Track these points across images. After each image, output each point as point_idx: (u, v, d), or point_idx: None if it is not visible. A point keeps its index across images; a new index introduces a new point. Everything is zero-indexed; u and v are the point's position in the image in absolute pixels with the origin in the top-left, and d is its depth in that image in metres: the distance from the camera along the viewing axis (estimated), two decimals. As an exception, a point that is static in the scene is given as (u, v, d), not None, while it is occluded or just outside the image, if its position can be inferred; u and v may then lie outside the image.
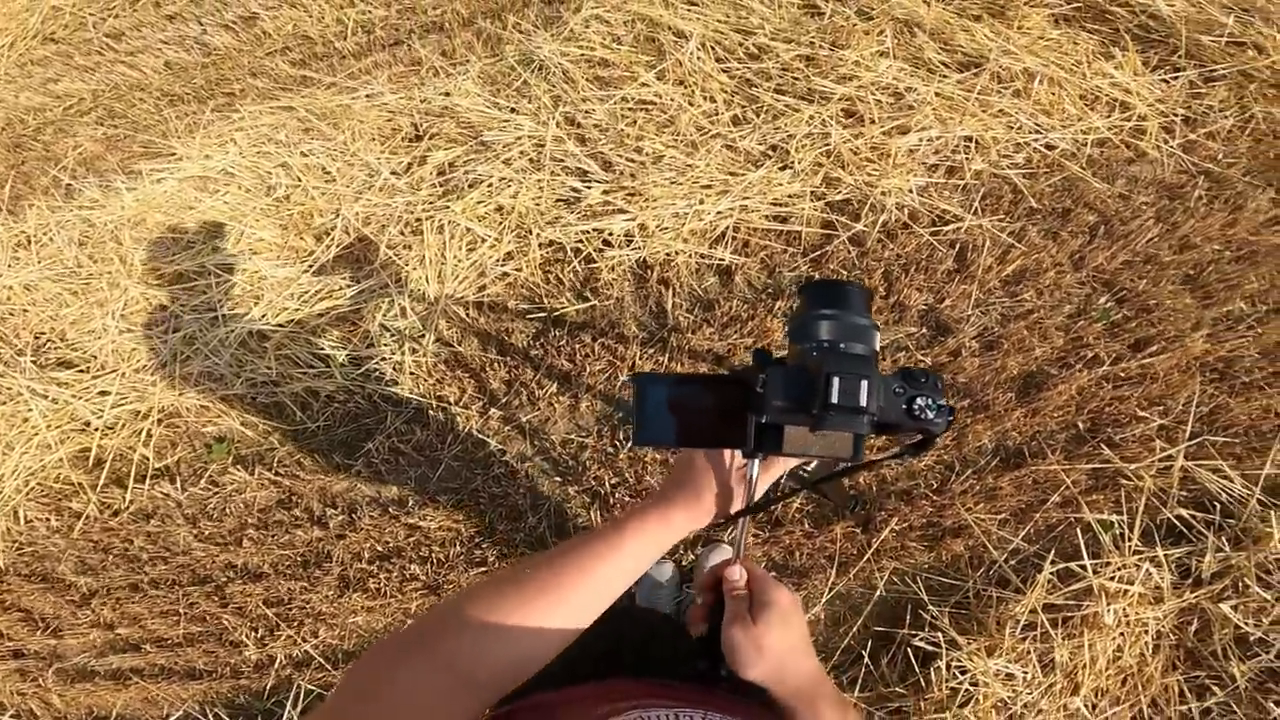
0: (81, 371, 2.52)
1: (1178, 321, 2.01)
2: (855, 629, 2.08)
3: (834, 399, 0.59)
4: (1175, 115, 2.36)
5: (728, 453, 0.76)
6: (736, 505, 0.74)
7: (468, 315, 2.26)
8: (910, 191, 2.21)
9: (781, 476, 0.80)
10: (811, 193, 2.22)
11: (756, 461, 0.71)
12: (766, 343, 2.17)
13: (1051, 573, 1.80)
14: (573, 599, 0.60)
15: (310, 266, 2.27)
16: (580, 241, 2.22)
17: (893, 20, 2.42)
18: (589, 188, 2.20)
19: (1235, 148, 2.34)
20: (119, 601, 2.58)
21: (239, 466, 2.41)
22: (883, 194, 2.21)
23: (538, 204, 2.23)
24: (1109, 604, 1.73)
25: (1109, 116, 2.29)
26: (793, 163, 2.22)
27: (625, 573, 0.63)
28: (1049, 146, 2.27)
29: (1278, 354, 1.95)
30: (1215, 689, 1.73)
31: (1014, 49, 2.30)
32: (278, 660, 2.45)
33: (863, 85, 2.24)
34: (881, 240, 2.19)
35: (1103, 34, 2.50)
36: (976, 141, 2.24)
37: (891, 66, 2.27)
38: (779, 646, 0.66)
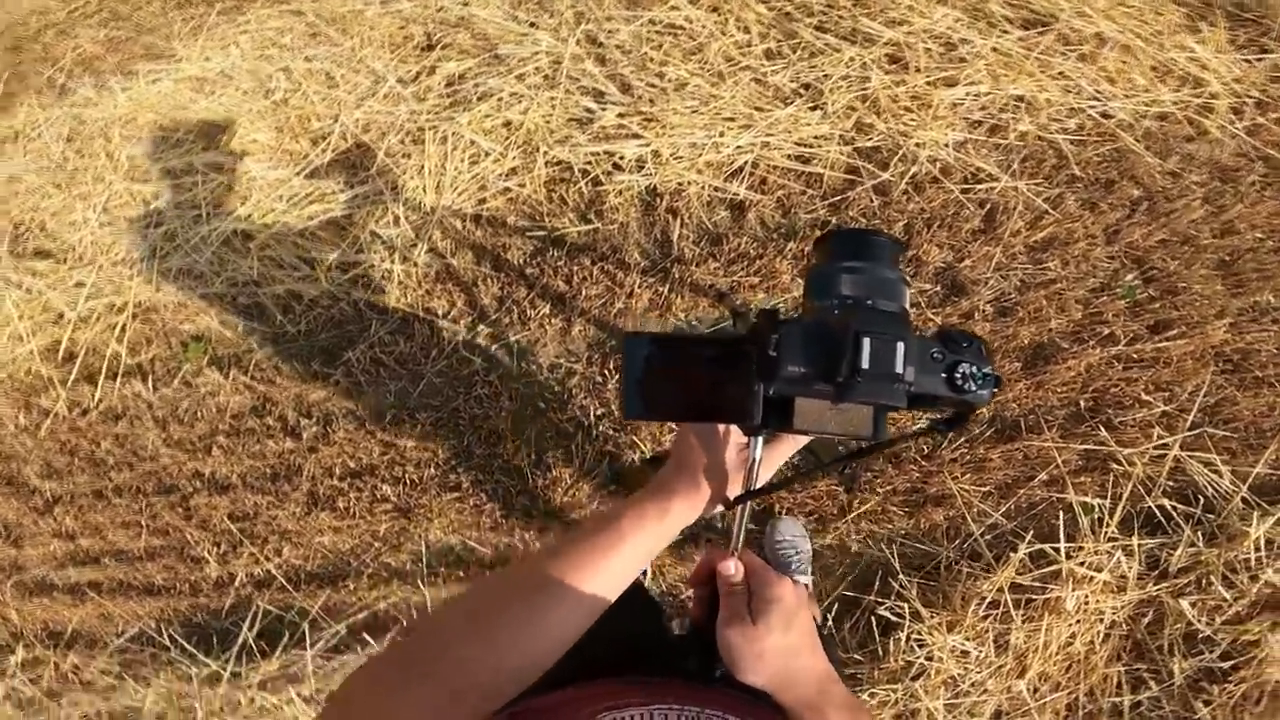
0: (58, 262, 2.43)
1: (1202, 307, 1.94)
2: (823, 591, 2.05)
3: (864, 363, 0.51)
4: (1249, 97, 2.26)
5: (725, 428, 0.68)
6: (736, 489, 0.66)
7: (464, 228, 2.17)
8: (946, 145, 2.10)
9: (792, 458, 0.72)
10: (840, 136, 2.12)
11: (760, 440, 0.63)
12: (773, 285, 2.10)
13: (1025, 553, 1.77)
14: (570, 603, 0.56)
15: (303, 170, 2.18)
16: (589, 163, 2.13)
17: None
18: (604, 109, 2.11)
19: (1304, 136, 2.25)
20: (82, 510, 2.50)
21: (214, 368, 2.32)
22: (917, 145, 2.10)
23: (548, 122, 2.14)
24: (1074, 589, 1.72)
25: (1178, 91, 2.18)
26: (824, 104, 2.12)
27: (623, 572, 0.59)
28: (1105, 115, 2.16)
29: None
30: (1151, 683, 1.72)
31: (1090, 11, 2.19)
32: (238, 579, 2.37)
33: (913, 32, 2.13)
34: (907, 192, 2.09)
35: (1192, 6, 2.38)
36: (1028, 102, 2.12)
37: (948, 15, 2.15)
38: (781, 650, 0.60)
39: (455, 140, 2.14)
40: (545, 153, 2.12)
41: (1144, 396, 1.90)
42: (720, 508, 0.67)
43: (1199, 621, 1.77)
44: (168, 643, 2.38)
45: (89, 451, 2.48)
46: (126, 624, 2.48)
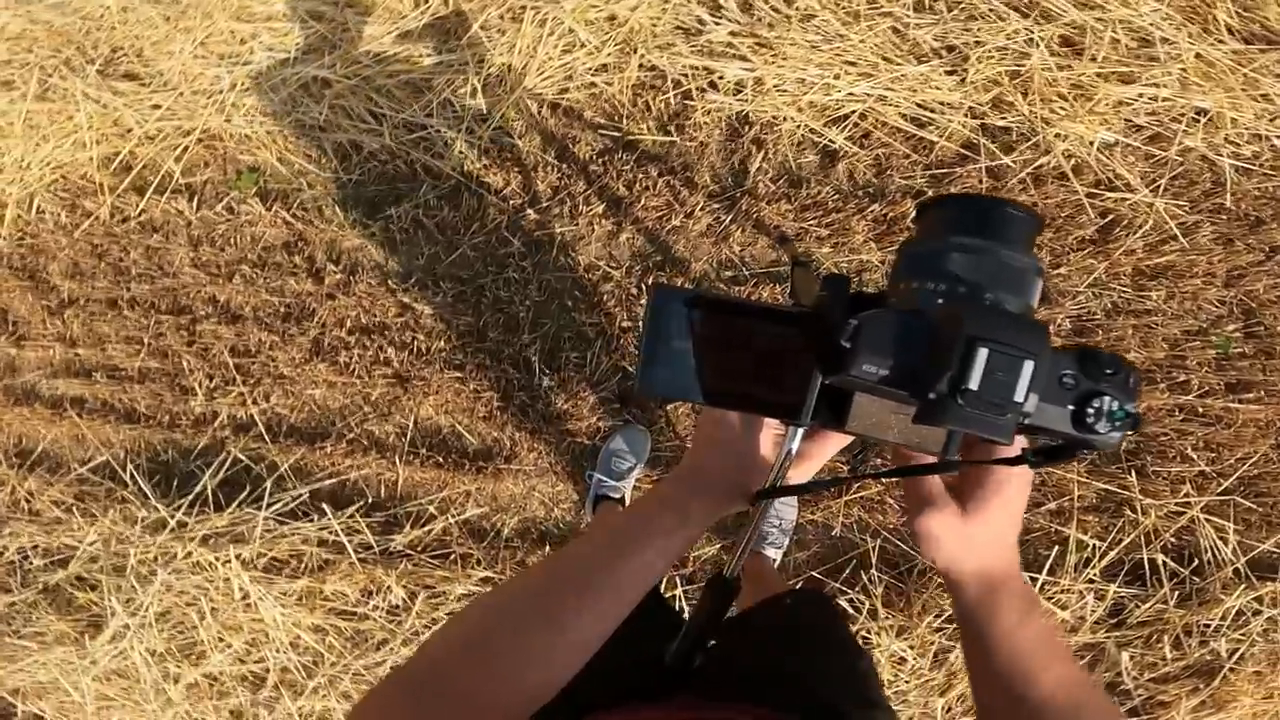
0: (142, 85, 2.47)
1: None
2: (792, 565, 1.94)
3: (973, 381, 0.39)
4: None
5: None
6: (760, 483, 0.57)
7: (538, 113, 2.09)
8: (1092, 144, 1.87)
9: (862, 454, 0.63)
10: (971, 108, 1.94)
11: (800, 431, 0.53)
12: (843, 243, 1.96)
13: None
14: (577, 625, 0.51)
15: (397, 29, 2.18)
16: (685, 75, 2.02)
17: None
18: (718, 24, 1.97)
19: None
20: (91, 316, 2.49)
21: (259, 199, 2.29)
22: (1057, 135, 1.89)
23: (654, 25, 2.02)
24: None
25: None
26: (965, 71, 1.92)
27: (637, 584, 0.53)
28: None
29: None
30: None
31: None
32: (220, 418, 2.31)
33: (1106, 18, 1.87)
34: (1024, 182, 1.92)
35: None
36: (1210, 118, 1.87)
37: (1157, 11, 1.87)
38: (994, 535, 0.52)
39: (554, 25, 2.05)
40: (643, 55, 2.02)
41: (1190, 453, 1.77)
42: (743, 505, 0.57)
43: (1127, 675, 1.77)
44: (127, 479, 2.32)
45: (117, 258, 2.48)
46: (97, 450, 2.44)
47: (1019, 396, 0.39)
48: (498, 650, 0.50)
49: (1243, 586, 1.73)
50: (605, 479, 1.93)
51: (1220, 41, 1.88)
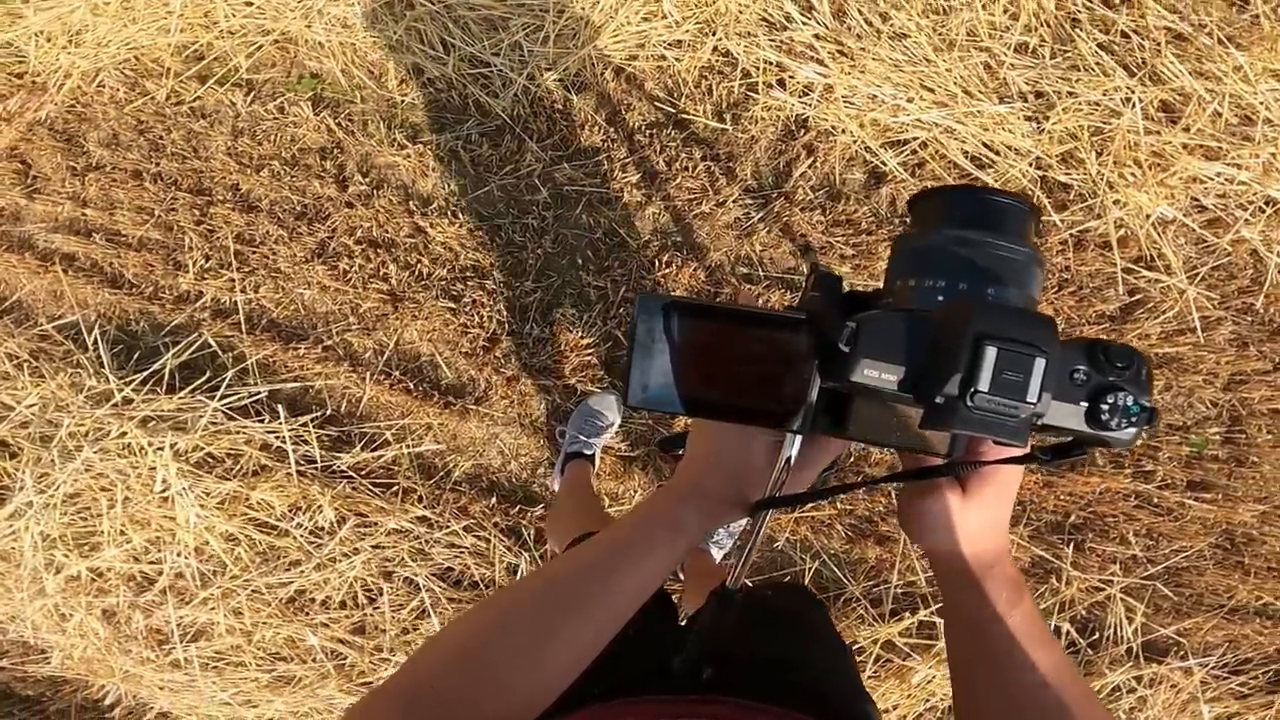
0: None
1: (1253, 487, 1.74)
2: (725, 569, 1.80)
3: (983, 382, 0.37)
4: None
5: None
6: (760, 492, 0.54)
7: (600, 73, 2.08)
8: (1149, 217, 1.80)
9: (833, 466, 0.60)
10: (1038, 158, 1.87)
11: (798, 439, 0.50)
12: (865, 267, 1.90)
13: (917, 619, 1.76)
14: (570, 637, 0.50)
15: None
16: (756, 67, 1.99)
17: None
18: (805, 24, 1.95)
19: None
20: (112, 183, 2.47)
21: (311, 104, 2.32)
22: (1116, 201, 1.81)
23: (741, 11, 2.00)
24: (932, 667, 1.72)
25: None
26: (1046, 119, 1.85)
27: (631, 597, 0.52)
28: None
29: None
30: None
31: None
32: (203, 299, 2.24)
33: (1218, 90, 1.80)
34: (1065, 244, 1.85)
35: None
36: (1276, 208, 1.80)
37: (1276, 91, 1.80)
38: (992, 519, 0.51)
39: None
40: (720, 39, 2.00)
41: (1130, 537, 1.77)
42: (737, 516, 0.56)
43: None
44: (90, 344, 2.24)
45: (157, 136, 2.49)
46: (69, 310, 2.36)
47: (1032, 397, 0.37)
48: (491, 660, 0.49)
49: (1129, 665, 1.74)
50: (579, 435, 1.84)
51: None
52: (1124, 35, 1.91)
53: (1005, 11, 1.94)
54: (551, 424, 1.94)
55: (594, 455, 1.85)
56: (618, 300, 1.97)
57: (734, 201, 1.98)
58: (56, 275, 2.43)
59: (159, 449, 1.97)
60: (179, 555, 1.93)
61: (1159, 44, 1.88)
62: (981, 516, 0.51)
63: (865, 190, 1.97)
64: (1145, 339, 1.80)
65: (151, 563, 1.96)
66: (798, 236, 1.96)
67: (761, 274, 1.94)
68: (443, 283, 2.06)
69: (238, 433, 2.01)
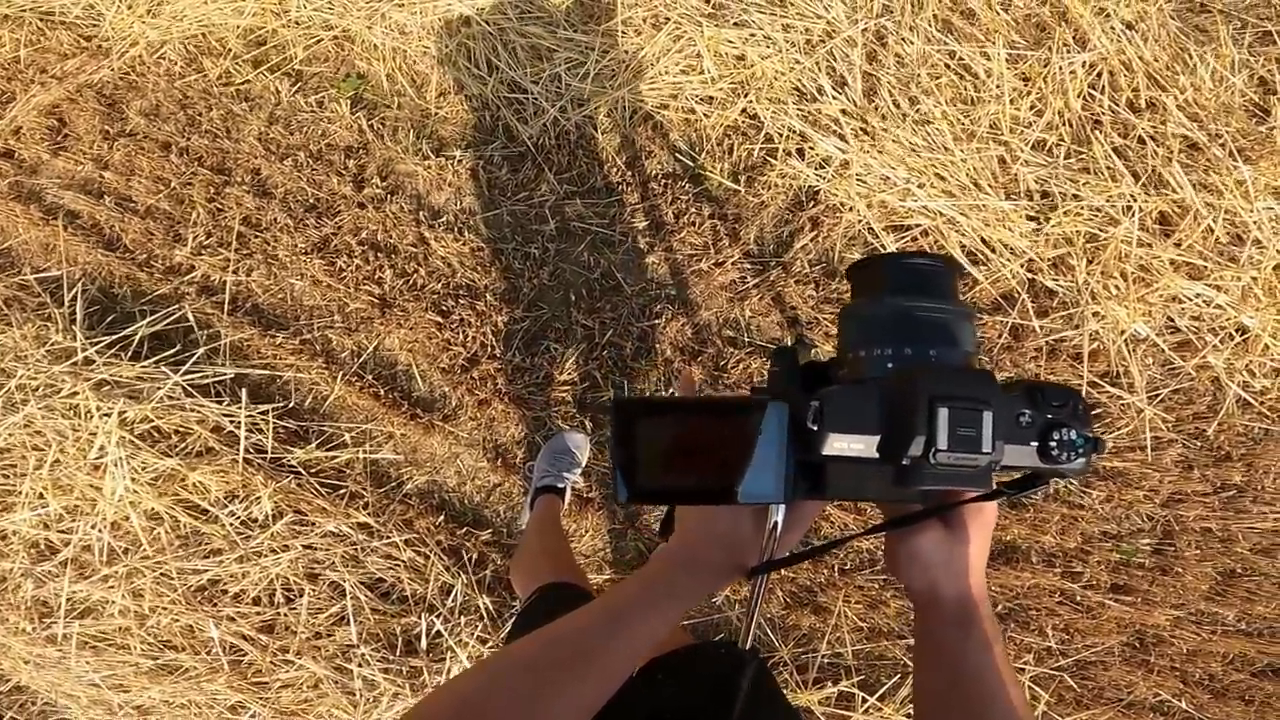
0: None
1: (1171, 593, 1.79)
2: None
3: (942, 441, 0.41)
4: None
5: None
6: (755, 558, 0.57)
7: (628, 117, 2.08)
8: (1123, 333, 1.80)
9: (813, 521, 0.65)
10: (1031, 260, 1.86)
11: (783, 506, 0.54)
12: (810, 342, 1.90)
13: (838, 689, 1.75)
14: (565, 702, 0.52)
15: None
16: (780, 134, 1.99)
17: None
18: (835, 98, 1.96)
19: None
20: (139, 151, 2.49)
21: (350, 103, 2.35)
22: (1095, 314, 1.80)
23: (777, 78, 2.02)
24: None
25: None
26: (1047, 219, 1.85)
27: (625, 663, 0.54)
28: None
29: (1208, 659, 1.78)
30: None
31: None
32: (193, 274, 2.22)
33: (1216, 204, 1.81)
34: (1039, 351, 1.83)
35: None
36: (1246, 338, 1.81)
37: (1270, 211, 1.82)
38: (974, 555, 0.55)
39: (686, 45, 2.08)
40: (750, 101, 2.02)
41: (1048, 630, 1.79)
42: (733, 581, 0.58)
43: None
44: (66, 300, 2.22)
45: (197, 112, 2.55)
46: (57, 265, 2.34)
47: (986, 447, 0.42)
48: (491, 709, 0.50)
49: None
50: (550, 471, 1.77)
51: None
52: (1140, 141, 1.91)
53: (1032, 108, 1.93)
54: (514, 452, 1.87)
55: (565, 490, 1.77)
56: (604, 343, 1.91)
57: (733, 263, 1.95)
58: (55, 230, 2.42)
59: (106, 414, 1.90)
60: (93, 527, 1.82)
61: (1172, 152, 1.87)
62: (966, 553, 0.53)
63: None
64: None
65: (62, 531, 1.85)
66: (788, 308, 1.92)
67: (746, 340, 1.89)
68: (435, 296, 2.03)
69: (193, 410, 1.94)
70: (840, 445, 0.45)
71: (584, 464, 1.81)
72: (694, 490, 0.52)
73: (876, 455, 0.45)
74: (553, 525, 1.69)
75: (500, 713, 0.50)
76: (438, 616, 1.74)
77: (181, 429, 1.93)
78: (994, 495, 0.51)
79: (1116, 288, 1.82)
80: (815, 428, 0.45)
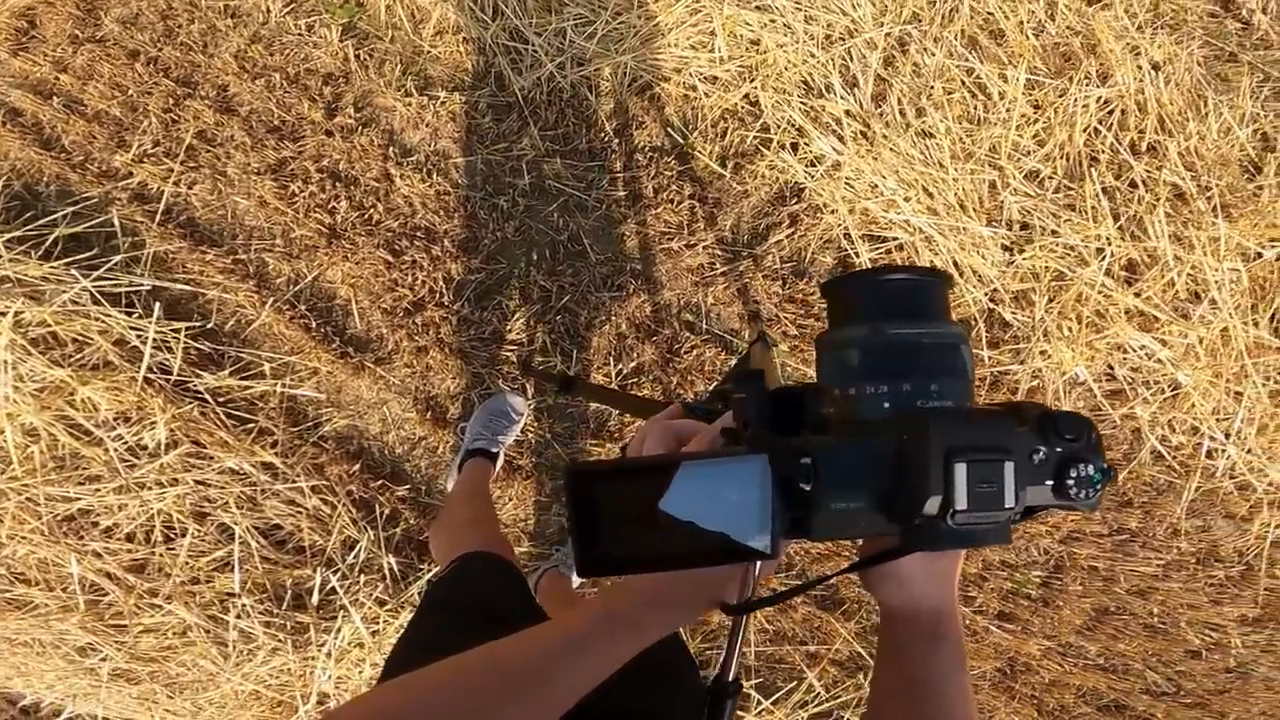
0: None
1: (1046, 624, 1.84)
2: None
3: (960, 503, 0.37)
4: None
5: None
6: (731, 589, 0.53)
7: (626, 85, 1.99)
8: (1064, 374, 1.81)
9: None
10: (996, 290, 1.82)
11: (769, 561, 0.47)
12: (804, 349, 1.78)
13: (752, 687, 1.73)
14: (520, 711, 0.49)
15: None
16: (778, 124, 1.92)
17: None
18: (841, 99, 1.91)
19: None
20: (104, 57, 2.31)
21: (340, 30, 2.23)
22: (1042, 352, 1.79)
23: (787, 68, 1.95)
24: None
25: None
26: (1022, 251, 1.83)
27: (584, 685, 0.51)
28: (1210, 454, 1.86)
29: (1064, 691, 1.84)
30: None
31: None
32: (130, 181, 2.05)
33: (1185, 258, 1.81)
34: (982, 381, 1.83)
35: None
36: (1179, 393, 1.81)
37: (1234, 272, 1.82)
38: (950, 570, 0.54)
39: (702, 20, 2.01)
40: (755, 86, 1.96)
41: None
42: (707, 614, 0.50)
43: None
44: None
45: (177, 23, 2.39)
46: None
47: (1009, 502, 0.38)
48: None
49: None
50: (484, 433, 1.64)
51: (1255, 324, 1.83)
52: (1132, 184, 1.88)
53: (1035, 137, 1.88)
54: (447, 406, 1.71)
55: (498, 455, 1.63)
56: (559, 307, 1.78)
57: (704, 248, 1.85)
58: None
59: (1, 313, 1.72)
60: (-43, 436, 1.63)
61: (1159, 199, 1.85)
62: (944, 568, 0.52)
63: (827, 277, 1.87)
64: None
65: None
66: (751, 301, 1.83)
67: (704, 327, 1.79)
68: (389, 234, 1.88)
69: (97, 319, 1.75)
70: (840, 506, 0.40)
71: (521, 424, 1.65)
72: (683, 555, 0.45)
73: (882, 515, 0.40)
74: (481, 491, 1.56)
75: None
76: (335, 572, 1.55)
77: (81, 338, 1.74)
78: (1026, 514, 0.45)
79: (1069, 329, 1.80)
80: (809, 488, 0.40)
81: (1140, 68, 1.94)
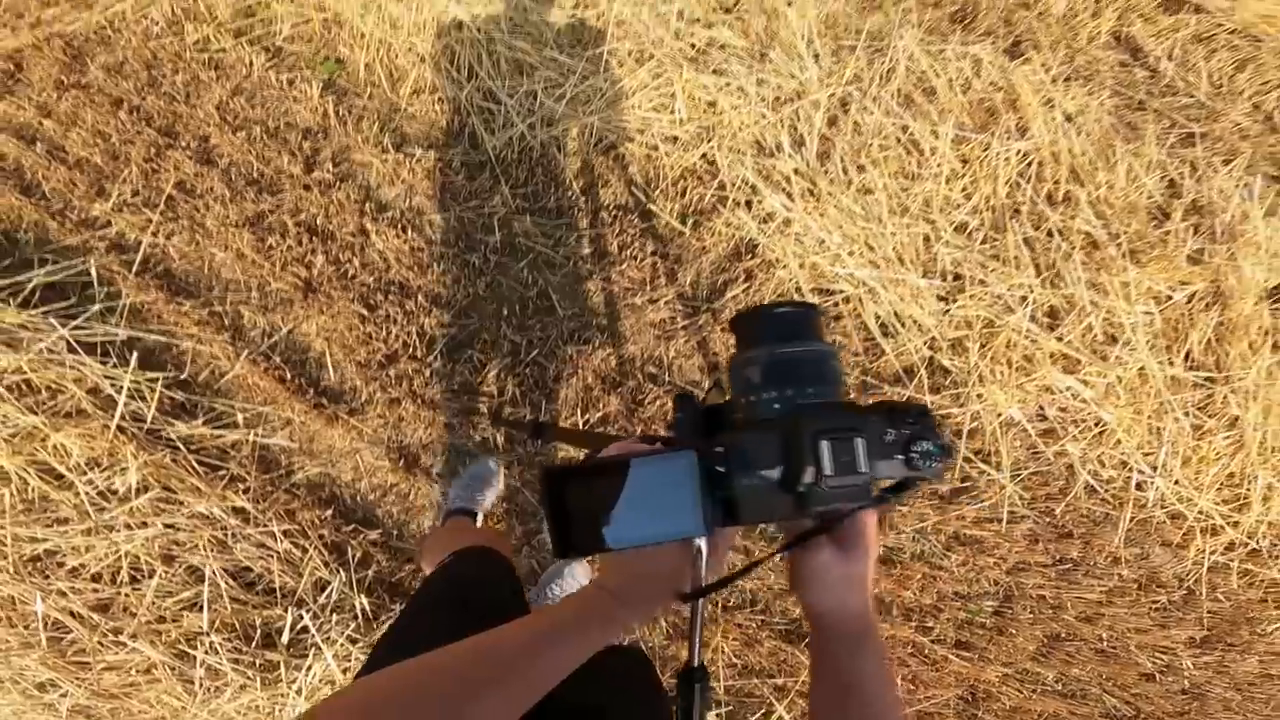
0: None
1: (1004, 652, 1.89)
2: None
3: (827, 469, 0.50)
4: (1260, 541, 1.97)
5: None
6: (686, 580, 0.62)
7: (593, 144, 2.10)
8: (999, 416, 1.92)
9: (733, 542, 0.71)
10: (934, 339, 1.94)
11: (705, 539, 0.60)
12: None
13: None
14: (495, 701, 0.55)
15: (546, 14, 2.30)
16: (733, 184, 2.04)
17: (1211, 283, 2.07)
18: (790, 158, 2.03)
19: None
20: (89, 104, 2.37)
21: (321, 86, 2.27)
22: (979, 396, 1.91)
23: (741, 129, 2.08)
24: None
25: (1220, 504, 1.96)
26: (955, 301, 1.96)
27: (557, 672, 0.58)
28: (1140, 487, 1.96)
29: (1026, 717, 1.88)
30: None
31: (1253, 397, 1.96)
32: (109, 230, 2.05)
33: (1100, 303, 1.95)
34: None
35: None
36: (1102, 430, 1.94)
37: (1154, 316, 1.96)
38: (866, 576, 0.61)
39: (664, 84, 2.14)
40: (712, 146, 2.07)
41: (898, 680, 1.88)
42: (672, 605, 0.64)
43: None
44: None
45: (161, 74, 2.46)
46: None
47: (863, 468, 0.50)
48: (418, 705, 0.51)
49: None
50: (464, 495, 1.70)
51: (1171, 363, 1.98)
52: (1049, 234, 2.03)
53: (963, 190, 2.03)
54: (419, 455, 1.78)
55: (477, 515, 1.68)
56: (528, 360, 1.86)
57: (666, 303, 1.95)
58: None
59: (-21, 354, 1.76)
60: (-77, 476, 1.66)
61: (1074, 246, 2.01)
62: (859, 571, 0.59)
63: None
64: (961, 520, 1.92)
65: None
66: (710, 353, 1.93)
67: (666, 379, 1.88)
68: (364, 289, 1.95)
69: (73, 367, 1.79)
70: (746, 483, 0.53)
71: (501, 491, 1.73)
72: (647, 535, 0.57)
73: (779, 486, 0.52)
74: (465, 527, 1.61)
75: (426, 710, 0.51)
76: (306, 612, 1.59)
77: (55, 386, 1.78)
78: (876, 502, 0.55)
79: (1000, 374, 1.94)
80: (724, 470, 0.53)
81: (1055, 119, 2.09)
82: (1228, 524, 1.96)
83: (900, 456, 0.52)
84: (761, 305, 0.63)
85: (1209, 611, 1.95)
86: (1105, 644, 1.93)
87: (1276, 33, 3.25)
